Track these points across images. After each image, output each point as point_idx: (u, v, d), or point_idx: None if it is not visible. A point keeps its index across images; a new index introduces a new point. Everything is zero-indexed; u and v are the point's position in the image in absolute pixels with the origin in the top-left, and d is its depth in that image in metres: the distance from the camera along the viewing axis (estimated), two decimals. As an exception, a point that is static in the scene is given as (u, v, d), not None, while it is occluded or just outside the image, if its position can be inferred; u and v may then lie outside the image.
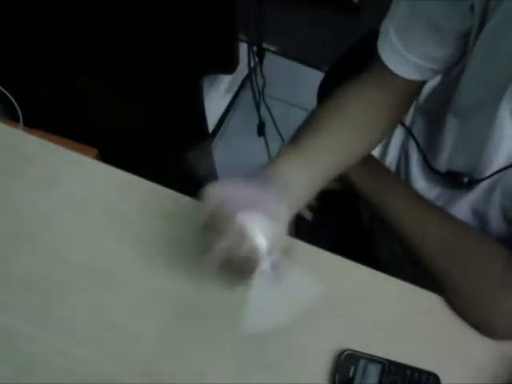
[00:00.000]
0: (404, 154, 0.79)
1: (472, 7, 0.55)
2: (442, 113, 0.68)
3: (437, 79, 0.79)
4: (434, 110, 0.74)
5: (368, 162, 0.72)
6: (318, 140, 0.62)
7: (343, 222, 0.88)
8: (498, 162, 0.59)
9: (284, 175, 0.56)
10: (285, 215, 0.52)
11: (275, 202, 0.52)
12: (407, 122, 0.80)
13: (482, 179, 0.61)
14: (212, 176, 1.39)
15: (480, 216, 0.66)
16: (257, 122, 1.59)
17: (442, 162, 0.69)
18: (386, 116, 0.67)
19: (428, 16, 0.59)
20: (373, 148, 0.70)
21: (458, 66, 0.66)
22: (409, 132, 0.78)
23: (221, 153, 1.54)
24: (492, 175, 0.60)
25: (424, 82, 0.67)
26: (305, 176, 0.58)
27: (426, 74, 0.64)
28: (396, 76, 0.63)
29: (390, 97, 0.66)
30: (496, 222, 0.65)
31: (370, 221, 0.86)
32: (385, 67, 0.63)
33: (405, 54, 0.62)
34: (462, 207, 0.67)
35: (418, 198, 0.68)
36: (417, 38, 0.61)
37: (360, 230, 0.88)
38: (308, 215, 0.85)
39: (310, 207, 0.85)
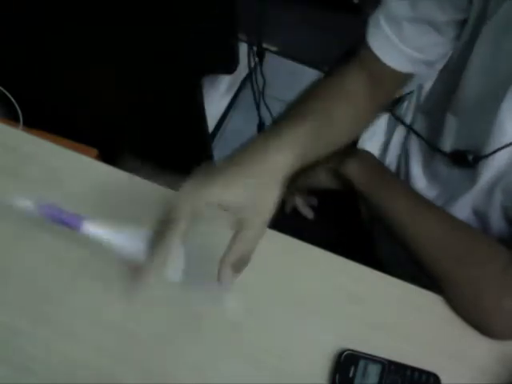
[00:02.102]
0: (404, 153, 0.79)
1: (470, 2, 0.56)
2: (443, 112, 0.68)
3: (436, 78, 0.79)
4: (434, 110, 0.74)
5: (367, 160, 0.72)
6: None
7: (343, 222, 0.88)
8: (499, 164, 0.59)
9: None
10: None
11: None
12: (407, 121, 0.80)
13: (488, 155, 0.60)
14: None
15: (480, 216, 0.66)
16: (257, 122, 1.60)
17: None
18: (368, 108, 0.68)
19: (422, 9, 0.59)
20: (350, 139, 0.69)
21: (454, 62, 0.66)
22: (409, 128, 0.78)
23: (221, 153, 1.54)
24: (497, 150, 0.59)
25: (410, 76, 0.67)
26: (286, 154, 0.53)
27: (418, 67, 0.65)
28: (387, 67, 0.64)
29: (376, 87, 0.67)
30: (496, 222, 0.65)
31: (371, 221, 0.86)
32: (375, 58, 0.64)
33: (399, 46, 0.63)
34: (462, 207, 0.67)
35: (418, 197, 0.68)
36: (411, 30, 0.61)
37: (360, 230, 0.88)
38: (309, 214, 0.85)
39: (312, 207, 0.86)
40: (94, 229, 0.52)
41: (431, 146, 0.71)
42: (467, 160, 0.63)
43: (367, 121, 0.72)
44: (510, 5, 0.52)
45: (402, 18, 0.61)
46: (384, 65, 0.64)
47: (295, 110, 0.61)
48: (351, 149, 0.73)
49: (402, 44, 0.62)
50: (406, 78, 0.67)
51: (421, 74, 0.67)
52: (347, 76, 0.67)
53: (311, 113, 0.59)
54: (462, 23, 0.61)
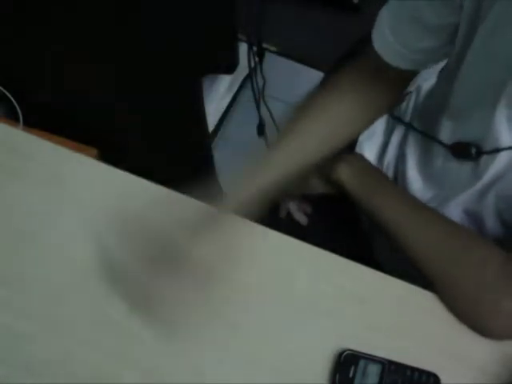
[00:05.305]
0: (401, 154, 0.79)
1: (461, 6, 0.56)
2: (440, 114, 0.68)
3: (434, 81, 0.79)
4: (432, 111, 0.74)
5: (357, 163, 0.72)
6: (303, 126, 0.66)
7: (342, 224, 0.88)
8: (498, 166, 0.59)
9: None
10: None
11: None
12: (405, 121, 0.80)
13: (491, 151, 0.59)
14: (212, 176, 1.39)
15: (474, 218, 0.66)
16: (257, 122, 1.60)
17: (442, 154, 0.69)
18: (374, 104, 0.69)
19: (416, 10, 0.59)
20: (358, 133, 0.71)
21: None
22: (409, 125, 0.78)
23: (221, 153, 1.54)
24: (500, 150, 0.58)
25: (415, 73, 0.67)
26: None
27: (417, 65, 0.65)
28: (387, 64, 0.64)
29: (381, 84, 0.67)
30: (491, 223, 0.64)
31: (369, 222, 0.86)
32: (376, 55, 0.64)
33: (395, 44, 0.62)
34: (456, 208, 0.67)
35: (411, 198, 0.68)
36: (405, 31, 0.61)
37: (359, 232, 0.87)
38: (303, 220, 0.84)
39: (305, 212, 0.85)
40: None
41: (430, 137, 0.70)
42: (470, 153, 0.62)
43: (366, 122, 0.72)
44: (499, 6, 0.51)
45: (399, 18, 0.61)
46: (386, 62, 0.64)
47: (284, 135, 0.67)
48: (340, 154, 0.73)
49: (399, 45, 0.62)
50: (409, 75, 0.67)
51: (421, 70, 0.67)
52: (347, 77, 0.67)
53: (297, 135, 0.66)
54: (457, 27, 0.60)
